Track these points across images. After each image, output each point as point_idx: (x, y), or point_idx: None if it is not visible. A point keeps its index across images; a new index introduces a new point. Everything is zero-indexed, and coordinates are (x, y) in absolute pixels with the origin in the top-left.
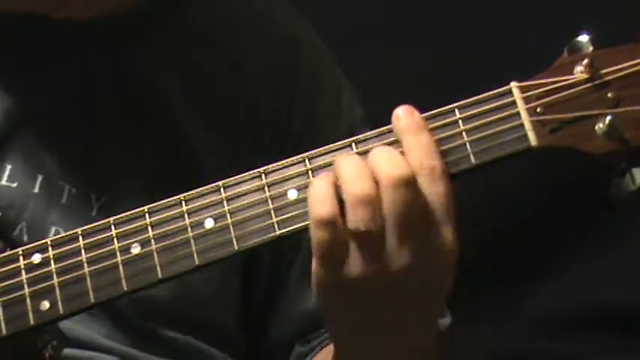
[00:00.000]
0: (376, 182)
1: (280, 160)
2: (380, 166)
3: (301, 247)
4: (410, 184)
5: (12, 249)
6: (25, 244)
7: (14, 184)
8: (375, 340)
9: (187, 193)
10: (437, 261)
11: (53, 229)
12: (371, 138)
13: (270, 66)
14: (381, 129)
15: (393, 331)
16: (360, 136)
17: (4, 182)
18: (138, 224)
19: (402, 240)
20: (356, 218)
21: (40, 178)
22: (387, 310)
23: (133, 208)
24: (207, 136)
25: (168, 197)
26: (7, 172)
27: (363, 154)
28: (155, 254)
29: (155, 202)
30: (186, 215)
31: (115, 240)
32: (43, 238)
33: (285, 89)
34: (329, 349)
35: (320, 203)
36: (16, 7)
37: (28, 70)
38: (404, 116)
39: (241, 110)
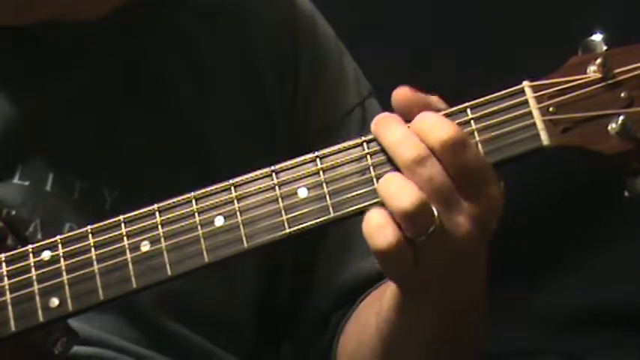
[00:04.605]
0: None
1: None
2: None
3: None
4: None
5: (24, 246)
6: (39, 241)
7: (26, 183)
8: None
9: (198, 192)
10: (494, 211)
11: (67, 226)
12: None
13: (271, 39)
14: None
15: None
16: (370, 136)
17: (16, 180)
18: (148, 222)
19: (471, 193)
20: (421, 177)
21: (51, 175)
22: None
23: (147, 201)
24: (220, 126)
25: (182, 189)
26: (19, 171)
27: None
28: (165, 252)
29: (169, 194)
30: (196, 213)
31: (125, 238)
32: (57, 235)
33: (288, 60)
34: (379, 292)
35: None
36: (27, 19)
37: (39, 71)
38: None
39: (250, 94)
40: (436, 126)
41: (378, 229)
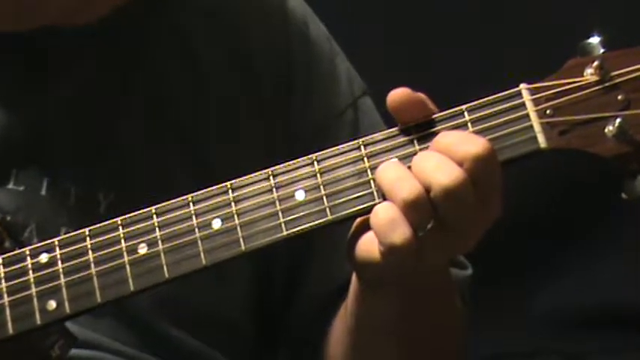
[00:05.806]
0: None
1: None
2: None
3: None
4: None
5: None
6: None
7: (21, 188)
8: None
9: (195, 194)
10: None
11: (63, 230)
12: (380, 140)
13: (265, 41)
14: (389, 130)
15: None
16: (367, 138)
17: (11, 186)
18: (145, 225)
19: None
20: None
21: (46, 180)
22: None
23: (143, 204)
24: (218, 127)
25: (178, 192)
26: (13, 176)
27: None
28: (162, 254)
29: (164, 198)
30: (193, 216)
31: (123, 240)
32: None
33: (282, 62)
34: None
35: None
36: (27, 24)
37: (35, 76)
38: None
39: (248, 95)
40: (465, 141)
41: (393, 224)
